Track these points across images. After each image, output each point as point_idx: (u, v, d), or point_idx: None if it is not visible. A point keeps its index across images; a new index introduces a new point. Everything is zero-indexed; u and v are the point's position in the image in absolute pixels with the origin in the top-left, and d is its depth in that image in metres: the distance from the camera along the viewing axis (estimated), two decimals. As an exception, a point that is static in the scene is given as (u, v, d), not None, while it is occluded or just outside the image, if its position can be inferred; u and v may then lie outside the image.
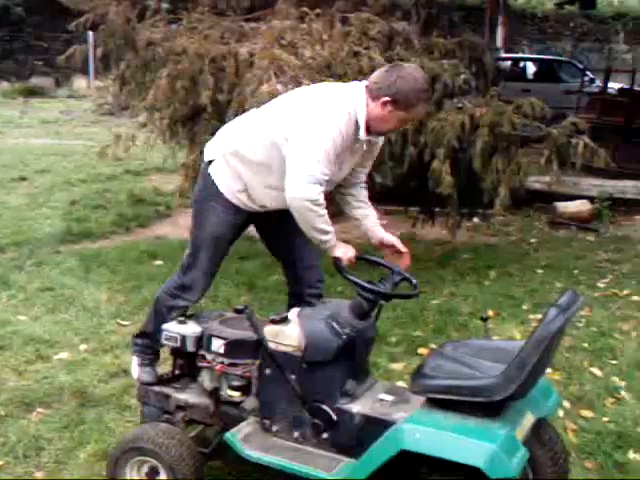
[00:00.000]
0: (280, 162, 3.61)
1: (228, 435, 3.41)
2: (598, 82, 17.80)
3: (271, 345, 3.41)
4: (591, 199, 10.05)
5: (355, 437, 3.32)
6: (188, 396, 3.75)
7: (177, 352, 3.79)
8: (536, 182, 9.41)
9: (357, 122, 3.55)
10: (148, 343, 4.05)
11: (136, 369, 4.04)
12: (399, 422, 3.14)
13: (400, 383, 4.43)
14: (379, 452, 3.08)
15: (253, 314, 3.45)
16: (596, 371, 5.27)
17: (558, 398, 3.61)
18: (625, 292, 7.03)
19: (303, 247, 3.97)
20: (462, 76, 7.66)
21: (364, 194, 3.97)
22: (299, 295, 4.09)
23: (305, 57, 6.68)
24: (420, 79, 3.55)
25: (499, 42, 20.90)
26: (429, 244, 8.41)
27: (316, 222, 3.54)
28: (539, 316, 6.03)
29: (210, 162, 3.85)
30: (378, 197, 8.46)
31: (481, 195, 7.09)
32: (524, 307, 6.47)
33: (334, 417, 3.35)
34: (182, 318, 3.78)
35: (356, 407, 3.37)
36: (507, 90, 13.14)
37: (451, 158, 6.78)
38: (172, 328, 3.72)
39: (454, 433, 2.98)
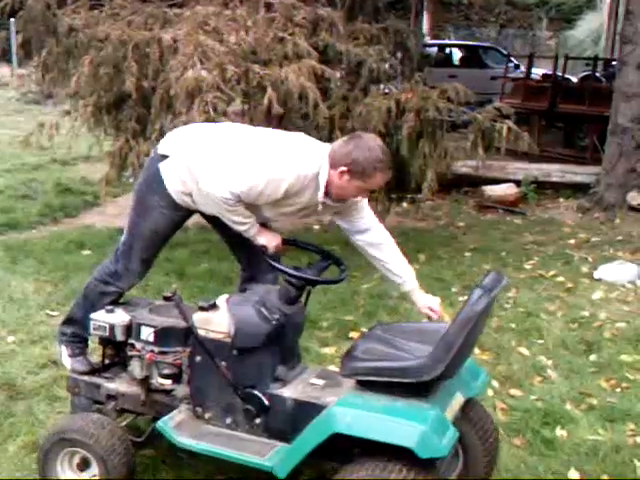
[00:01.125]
0: None
1: (160, 423, 3.39)
2: (522, 68, 18.10)
3: (201, 332, 3.40)
4: (517, 182, 10.21)
5: (287, 422, 3.33)
6: (119, 385, 3.70)
7: (106, 341, 3.73)
8: (463, 166, 9.52)
9: (318, 183, 3.51)
10: (76, 331, 3.97)
11: (67, 360, 3.96)
12: (330, 405, 3.15)
13: (332, 367, 4.44)
14: (311, 436, 3.09)
15: (181, 301, 3.42)
16: (524, 351, 5.37)
17: (486, 378, 3.65)
18: (551, 273, 7.16)
19: None
20: (387, 62, 7.71)
21: (387, 249, 3.80)
22: (253, 279, 4.05)
23: (230, 43, 6.61)
24: (376, 149, 3.48)
25: (425, 28, 21.10)
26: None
27: (229, 215, 3.56)
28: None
29: (163, 157, 3.75)
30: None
31: (409, 180, 7.15)
32: (453, 289, 6.55)
33: (266, 402, 3.35)
34: (110, 307, 3.72)
35: (287, 392, 3.37)
36: (433, 76, 13.23)
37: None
38: (100, 317, 3.66)
39: (384, 415, 3.01)
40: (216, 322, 3.40)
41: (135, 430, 3.78)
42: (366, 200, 3.75)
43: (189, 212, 3.84)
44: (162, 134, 6.31)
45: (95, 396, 3.74)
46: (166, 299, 3.51)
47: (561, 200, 10.18)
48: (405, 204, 8.81)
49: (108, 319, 3.64)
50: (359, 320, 5.75)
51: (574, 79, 17.79)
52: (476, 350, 5.28)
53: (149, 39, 6.69)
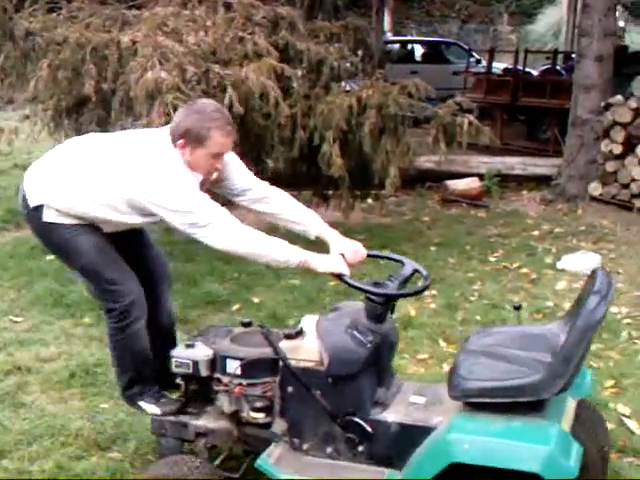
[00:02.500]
0: (123, 221, 3.49)
1: (259, 461, 3.21)
2: (484, 62, 18.22)
3: (291, 362, 3.24)
4: (480, 176, 10.27)
5: (393, 447, 3.17)
6: (207, 422, 3.51)
7: (189, 378, 3.52)
8: (427, 162, 9.59)
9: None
10: (143, 384, 3.73)
11: (154, 408, 3.66)
12: (440, 429, 2.99)
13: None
14: (427, 466, 2.89)
15: (269, 331, 3.33)
16: (489, 342, 5.40)
17: (592, 377, 3.45)
18: (515, 265, 7.22)
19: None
20: (348, 59, 7.75)
21: (275, 201, 3.65)
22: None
23: (189, 44, 6.61)
24: (204, 109, 3.38)
25: (387, 25, 21.18)
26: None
27: (260, 252, 3.28)
28: (434, 292, 6.20)
29: (37, 208, 3.55)
30: (270, 182, 8.56)
31: (372, 176, 7.19)
32: (419, 284, 6.55)
33: (369, 429, 3.18)
34: (189, 342, 3.54)
35: (390, 416, 3.21)
36: (396, 72, 13.31)
37: (340, 140, 6.86)
38: (182, 354, 3.46)
39: (504, 439, 2.81)
40: (305, 350, 3.25)
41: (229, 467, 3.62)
42: (235, 161, 3.61)
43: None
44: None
45: (183, 435, 3.55)
46: (244, 325, 3.41)
47: (524, 192, 10.25)
48: (370, 200, 8.84)
49: (190, 355, 3.45)
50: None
51: (535, 73, 17.96)
52: (442, 343, 5.34)
53: (108, 41, 6.66)
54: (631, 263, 7.27)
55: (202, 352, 3.45)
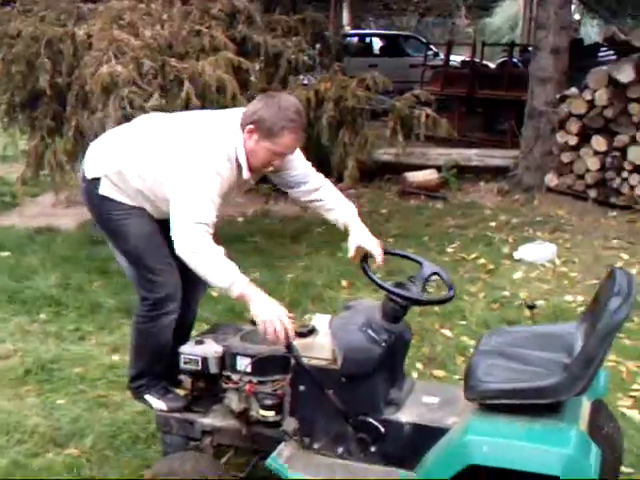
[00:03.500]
0: (163, 195, 3.41)
1: (269, 460, 3.15)
2: (441, 55, 18.33)
3: (304, 360, 3.18)
4: (438, 168, 10.34)
5: (406, 447, 3.13)
6: (214, 420, 3.46)
7: (197, 375, 3.48)
8: (385, 154, 9.63)
9: (239, 163, 3.33)
10: (151, 377, 3.67)
11: (159, 403, 3.60)
12: (457, 430, 2.94)
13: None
14: (443, 468, 2.83)
15: None
16: (447, 332, 5.47)
17: (607, 377, 3.39)
18: (472, 256, 7.29)
19: None
20: (306, 53, 7.75)
21: (324, 191, 3.62)
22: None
23: (145, 37, 6.57)
24: (287, 107, 3.29)
25: (345, 19, 21.19)
26: (283, 220, 8.48)
27: (207, 272, 3.22)
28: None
29: (94, 180, 3.53)
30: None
31: (331, 169, 7.20)
32: (378, 275, 6.59)
33: (381, 430, 3.14)
34: (199, 338, 3.51)
35: (404, 416, 3.17)
36: (354, 65, 13.35)
37: (299, 133, 6.85)
38: (191, 350, 3.42)
39: (524, 441, 2.76)
40: (318, 348, 3.21)
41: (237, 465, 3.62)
42: (298, 154, 3.53)
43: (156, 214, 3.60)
44: (78, 131, 6.27)
45: (189, 433, 3.49)
46: (254, 323, 3.32)
47: (481, 184, 10.33)
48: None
49: (200, 352, 3.40)
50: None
51: (492, 65, 18.11)
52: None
53: (62, 35, 6.61)
54: (586, 252, 7.37)
55: (212, 349, 3.40)
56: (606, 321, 2.72)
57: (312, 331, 3.26)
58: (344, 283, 6.41)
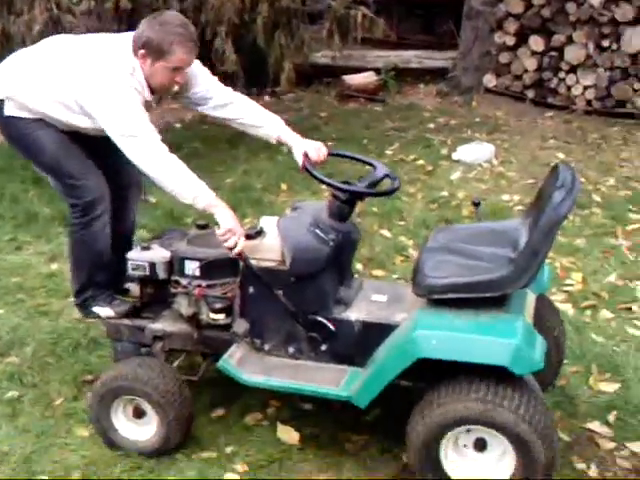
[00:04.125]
0: (77, 122, 3.40)
1: (221, 362, 3.18)
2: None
3: (252, 262, 3.19)
4: (377, 71, 10.24)
5: (356, 345, 3.16)
6: (164, 325, 3.46)
7: (146, 280, 3.45)
8: (323, 57, 9.49)
9: (139, 82, 3.30)
10: (95, 288, 3.64)
11: (106, 310, 3.58)
12: (406, 326, 2.97)
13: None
14: (393, 362, 2.88)
15: None
16: (385, 233, 5.52)
17: (551, 272, 3.48)
18: (411, 157, 7.32)
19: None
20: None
21: (239, 107, 3.58)
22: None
23: None
24: (170, 21, 3.27)
25: None
26: (221, 125, 8.33)
27: (170, 182, 3.20)
28: (323, 186, 6.24)
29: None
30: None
31: (267, 72, 7.12)
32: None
33: (332, 328, 3.18)
34: (145, 244, 3.44)
35: (353, 314, 3.21)
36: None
37: (234, 35, 6.74)
38: (138, 256, 3.37)
39: (471, 334, 2.79)
40: (267, 249, 3.21)
41: (187, 369, 3.62)
42: (199, 70, 3.51)
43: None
44: (5, 35, 6.06)
45: (140, 339, 3.48)
46: (200, 227, 3.32)
47: (421, 86, 10.28)
48: (267, 98, 8.78)
49: (147, 257, 3.36)
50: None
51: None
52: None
53: None
54: (523, 152, 7.44)
55: (160, 254, 3.37)
56: (549, 214, 2.74)
57: (260, 233, 3.25)
58: (283, 186, 6.41)
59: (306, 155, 3.38)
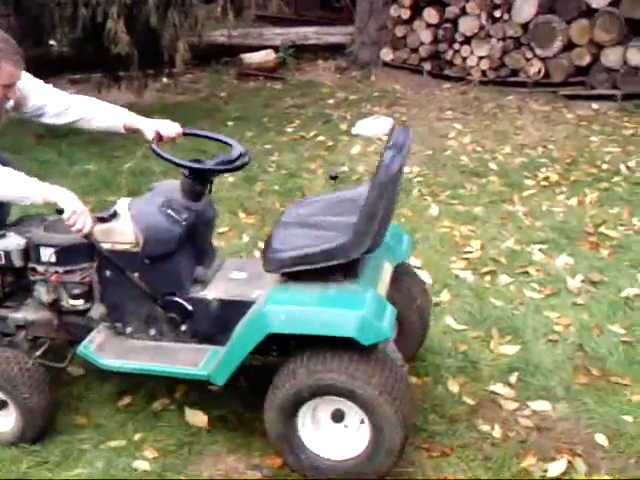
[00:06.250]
0: None
1: (81, 348, 3.11)
2: None
3: (105, 245, 3.10)
4: (276, 48, 10.22)
5: (215, 324, 3.15)
6: (26, 313, 3.37)
7: (4, 269, 3.33)
8: (220, 36, 9.42)
9: None
10: None
11: None
12: (259, 302, 2.94)
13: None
14: (245, 339, 2.87)
15: None
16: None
17: (410, 240, 3.46)
18: (312, 134, 7.33)
19: None
20: None
21: (80, 108, 3.46)
22: None
23: None
24: None
25: None
26: (118, 109, 8.20)
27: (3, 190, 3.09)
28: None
29: None
30: (58, 66, 8.18)
31: (162, 53, 6.99)
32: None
33: (189, 308, 3.16)
34: (1, 232, 3.33)
35: (210, 293, 3.18)
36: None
37: (125, 16, 6.59)
38: None
39: (318, 307, 2.79)
40: (120, 232, 3.11)
41: (54, 356, 3.48)
42: (30, 82, 3.40)
43: None
44: None
45: (3, 329, 3.40)
46: (60, 212, 3.16)
47: (319, 62, 10.31)
48: (165, 80, 8.65)
49: (2, 246, 3.27)
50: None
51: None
52: (241, 214, 5.39)
53: None
54: (422, 124, 7.53)
55: (14, 242, 3.29)
56: (381, 174, 2.72)
57: (114, 215, 3.17)
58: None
59: (158, 133, 3.33)
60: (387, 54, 9.58)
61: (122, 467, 3.10)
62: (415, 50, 9.34)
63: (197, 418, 3.33)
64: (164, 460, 3.14)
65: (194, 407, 3.38)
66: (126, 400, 3.50)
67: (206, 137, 3.48)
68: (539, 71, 8.40)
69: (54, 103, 3.45)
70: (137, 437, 3.27)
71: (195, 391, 3.49)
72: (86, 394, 3.54)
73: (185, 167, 3.14)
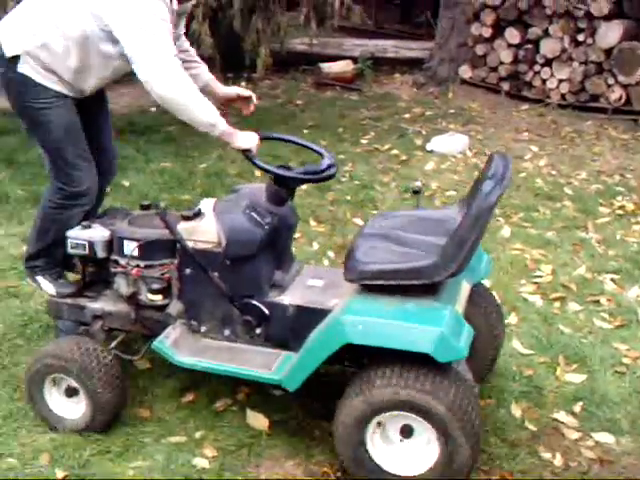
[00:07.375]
0: (98, 58, 3.29)
1: (156, 343, 3.16)
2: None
3: (188, 243, 3.16)
4: (354, 59, 10.24)
5: (290, 329, 3.17)
6: (104, 304, 3.44)
7: (86, 259, 3.42)
8: (300, 44, 9.48)
9: None
10: (47, 260, 3.62)
11: (49, 286, 3.58)
12: (336, 311, 2.96)
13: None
14: (321, 347, 2.88)
15: (166, 212, 3.15)
16: (358, 221, 5.51)
17: (490, 260, 3.45)
18: (386, 147, 7.33)
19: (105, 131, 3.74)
20: None
21: (192, 53, 3.68)
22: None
23: None
24: None
25: None
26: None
27: (195, 108, 3.15)
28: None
29: (13, 59, 3.30)
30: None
31: (243, 57, 7.09)
32: (291, 164, 6.58)
33: (266, 312, 3.18)
34: (86, 222, 3.40)
35: (287, 298, 3.21)
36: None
37: (210, 19, 6.70)
38: (78, 234, 3.35)
39: (397, 320, 2.79)
40: (203, 231, 3.17)
41: (127, 349, 3.58)
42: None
43: (79, 93, 3.48)
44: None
45: (80, 318, 3.47)
46: (144, 208, 3.27)
47: (397, 76, 10.30)
48: (243, 84, 8.73)
49: (87, 236, 3.34)
50: (196, 199, 5.71)
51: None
52: (312, 222, 5.42)
53: None
54: (497, 144, 7.47)
55: (99, 233, 3.35)
56: (478, 203, 2.73)
57: (198, 214, 3.23)
58: (257, 173, 6.38)
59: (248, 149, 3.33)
60: (466, 71, 9.54)
61: (181, 463, 3.13)
62: (494, 69, 9.27)
63: (258, 421, 3.35)
64: (223, 459, 3.16)
65: (255, 409, 3.40)
66: (189, 397, 3.54)
67: (302, 145, 3.52)
68: (620, 98, 8.27)
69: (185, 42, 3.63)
70: (198, 434, 3.30)
71: (257, 394, 3.52)
72: (151, 388, 3.59)
73: (273, 174, 3.17)
